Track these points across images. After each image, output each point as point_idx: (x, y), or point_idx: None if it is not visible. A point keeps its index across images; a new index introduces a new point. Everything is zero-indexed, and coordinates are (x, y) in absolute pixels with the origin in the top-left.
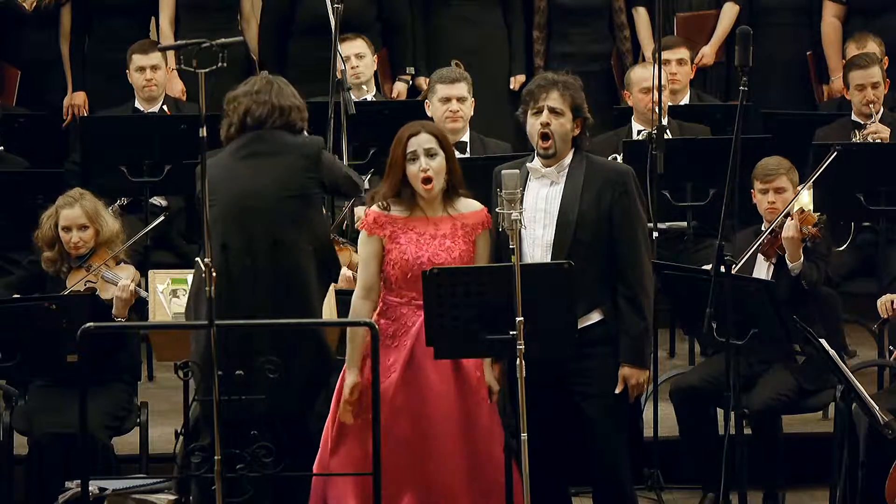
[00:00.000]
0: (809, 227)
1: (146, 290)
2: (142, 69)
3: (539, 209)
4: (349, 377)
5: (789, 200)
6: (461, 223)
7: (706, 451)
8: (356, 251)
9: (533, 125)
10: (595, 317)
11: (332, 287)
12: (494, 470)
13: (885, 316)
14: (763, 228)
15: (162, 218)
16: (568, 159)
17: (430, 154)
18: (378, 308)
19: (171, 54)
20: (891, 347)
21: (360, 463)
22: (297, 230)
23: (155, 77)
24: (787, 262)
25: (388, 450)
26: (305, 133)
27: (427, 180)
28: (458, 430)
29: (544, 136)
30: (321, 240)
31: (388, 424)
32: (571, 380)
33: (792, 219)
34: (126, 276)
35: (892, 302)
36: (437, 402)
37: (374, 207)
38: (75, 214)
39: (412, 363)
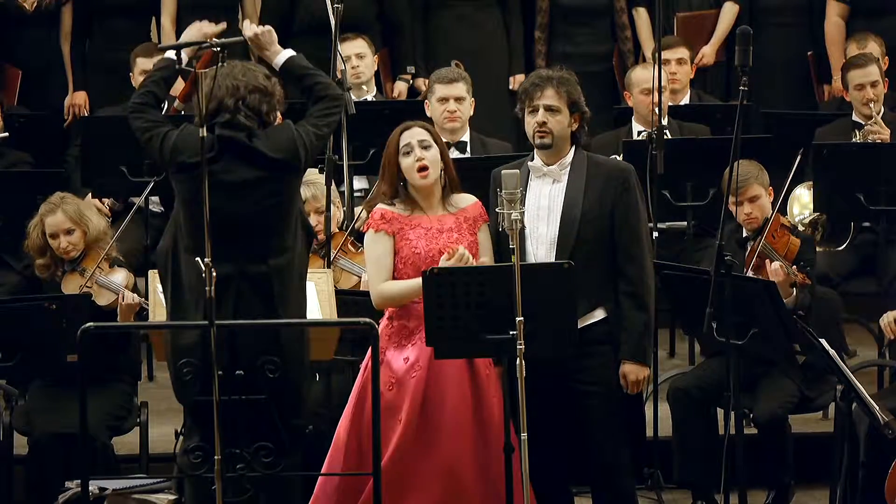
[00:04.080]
0: (796, 271)
1: (146, 290)
2: (146, 72)
3: (542, 206)
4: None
5: (765, 206)
6: (463, 217)
7: (704, 452)
8: None
9: (529, 123)
10: (598, 314)
11: (332, 287)
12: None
13: (892, 337)
14: (745, 235)
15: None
16: (569, 157)
17: (424, 146)
18: (387, 312)
19: None
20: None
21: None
22: (286, 235)
23: None
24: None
25: (406, 444)
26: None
27: (423, 168)
28: (472, 427)
29: (541, 131)
30: (302, 215)
31: (409, 419)
32: (573, 377)
33: (771, 262)
34: (120, 279)
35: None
36: (454, 399)
37: (382, 205)
38: (59, 220)
39: (434, 360)
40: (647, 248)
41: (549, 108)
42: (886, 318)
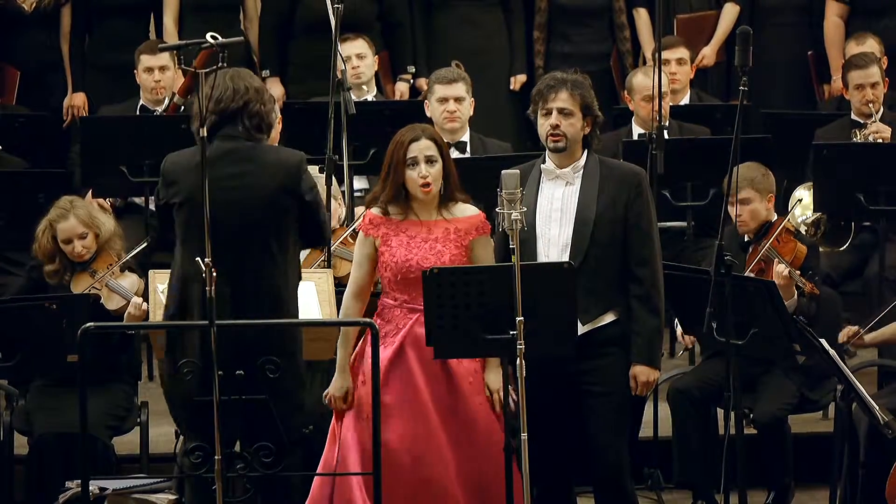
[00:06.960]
0: (804, 280)
1: (146, 289)
2: (150, 70)
3: (554, 209)
4: (337, 381)
5: (757, 210)
6: (454, 227)
7: (704, 452)
8: None
9: (542, 126)
10: (609, 318)
11: (332, 287)
12: (490, 469)
13: (843, 341)
14: (746, 240)
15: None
16: (582, 160)
17: (430, 161)
18: (377, 308)
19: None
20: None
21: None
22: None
23: (163, 78)
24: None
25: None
26: (276, 114)
27: (426, 185)
28: (447, 429)
29: (554, 134)
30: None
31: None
32: (580, 378)
33: (777, 263)
34: (130, 284)
35: (856, 335)
36: (423, 402)
37: (374, 210)
38: (72, 225)
39: (398, 363)
40: (657, 251)
41: (562, 112)
42: (846, 333)
